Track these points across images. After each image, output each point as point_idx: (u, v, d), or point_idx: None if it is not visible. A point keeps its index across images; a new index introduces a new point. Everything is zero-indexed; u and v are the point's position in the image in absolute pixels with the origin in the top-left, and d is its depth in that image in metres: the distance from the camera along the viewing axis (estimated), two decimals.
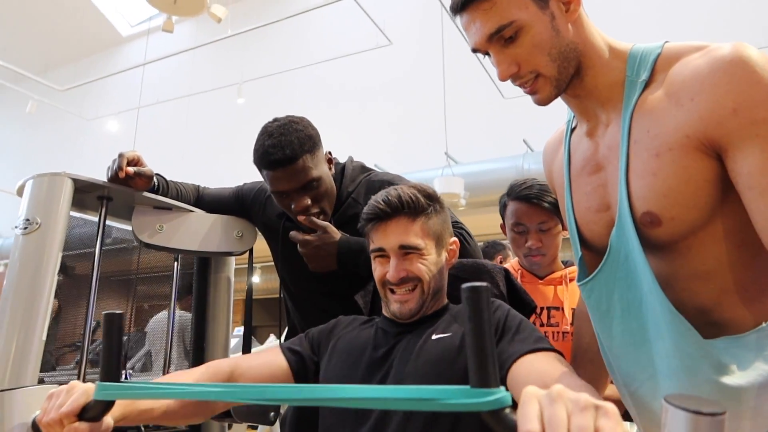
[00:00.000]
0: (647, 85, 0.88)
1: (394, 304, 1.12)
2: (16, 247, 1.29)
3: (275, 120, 1.43)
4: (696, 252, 0.87)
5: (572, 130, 1.04)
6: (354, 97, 8.44)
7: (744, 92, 0.77)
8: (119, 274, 2.09)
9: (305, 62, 8.13)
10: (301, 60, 8.29)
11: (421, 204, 1.13)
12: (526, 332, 1.02)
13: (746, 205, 0.80)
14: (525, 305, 1.28)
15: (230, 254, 1.69)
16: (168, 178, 1.59)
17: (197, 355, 1.72)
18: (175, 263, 1.71)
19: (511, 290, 1.28)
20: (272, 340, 6.07)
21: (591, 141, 0.98)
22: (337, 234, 1.38)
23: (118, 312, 0.88)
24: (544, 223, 1.64)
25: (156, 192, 1.51)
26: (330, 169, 1.48)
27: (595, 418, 0.52)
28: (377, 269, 1.14)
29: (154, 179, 1.49)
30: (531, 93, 0.93)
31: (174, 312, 1.68)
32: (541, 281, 1.76)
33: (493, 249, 3.35)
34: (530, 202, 1.63)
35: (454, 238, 1.22)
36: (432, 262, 1.13)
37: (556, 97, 0.93)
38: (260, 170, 1.40)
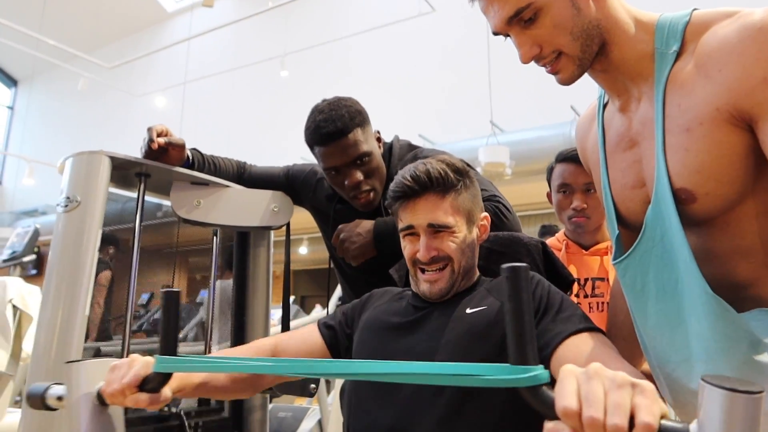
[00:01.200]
0: (678, 56, 0.83)
1: (424, 284, 1.09)
2: (57, 225, 1.31)
3: (324, 100, 1.47)
4: (735, 227, 0.83)
5: (605, 105, 1.00)
6: (397, 67, 8.34)
7: None
8: (168, 246, 2.14)
9: (347, 32, 8.05)
10: (343, 30, 8.22)
11: (450, 180, 1.08)
12: (570, 310, 0.99)
13: None
14: (562, 279, 1.23)
15: (268, 228, 1.68)
16: (205, 153, 1.59)
17: (238, 328, 1.73)
18: (215, 237, 1.72)
19: (549, 264, 1.23)
20: (318, 311, 6.17)
21: (624, 116, 0.93)
22: (369, 223, 1.40)
23: (175, 290, 0.91)
24: (590, 183, 1.60)
25: (191, 167, 1.52)
26: (379, 147, 1.50)
27: (631, 396, 0.53)
28: (407, 247, 1.11)
29: (188, 153, 1.50)
30: (553, 73, 0.90)
31: (214, 285, 1.70)
32: (586, 252, 1.74)
33: (548, 233, 3.31)
34: (577, 162, 1.59)
35: (485, 214, 1.17)
36: (462, 239, 1.09)
37: (580, 76, 0.90)
38: (312, 149, 1.43)
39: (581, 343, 0.92)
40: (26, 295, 2.28)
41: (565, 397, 0.54)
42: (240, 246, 1.79)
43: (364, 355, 1.08)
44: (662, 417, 0.52)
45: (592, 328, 0.95)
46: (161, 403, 0.88)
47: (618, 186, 0.96)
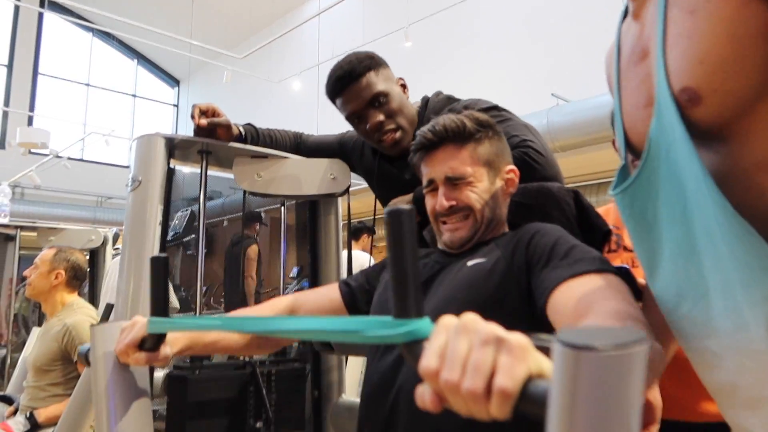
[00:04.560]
0: None
1: (446, 233, 1.08)
2: (127, 204, 1.46)
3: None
4: (759, 136, 0.66)
5: (624, 17, 0.85)
6: (526, 25, 7.94)
7: None
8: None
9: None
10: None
11: (467, 130, 1.06)
12: (577, 256, 0.89)
13: None
14: (596, 230, 1.11)
15: (329, 196, 1.72)
16: (260, 127, 1.66)
17: None
18: (282, 208, 1.79)
19: (582, 214, 1.11)
20: None
21: (637, 23, 0.79)
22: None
23: (163, 255, 0.97)
24: None
25: (244, 141, 1.59)
26: (405, 93, 1.49)
27: (495, 354, 0.46)
28: (429, 203, 1.10)
29: (240, 129, 1.57)
30: None
31: (285, 255, 1.77)
32: None
33: None
34: None
35: (512, 167, 1.11)
36: (483, 189, 1.06)
37: None
38: (334, 103, 1.46)
39: (576, 285, 0.82)
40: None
41: (426, 355, 0.48)
42: (311, 216, 1.86)
43: (376, 311, 1.08)
44: (537, 376, 0.45)
45: (601, 270, 0.84)
46: (160, 361, 0.96)
47: (629, 107, 0.82)
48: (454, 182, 1.05)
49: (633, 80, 0.80)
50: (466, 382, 0.45)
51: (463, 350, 0.47)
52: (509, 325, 0.88)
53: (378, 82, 1.41)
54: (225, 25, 11.85)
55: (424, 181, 1.09)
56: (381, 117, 1.41)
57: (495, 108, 1.37)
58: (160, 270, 0.96)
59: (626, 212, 0.81)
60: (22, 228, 3.23)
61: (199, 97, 13.82)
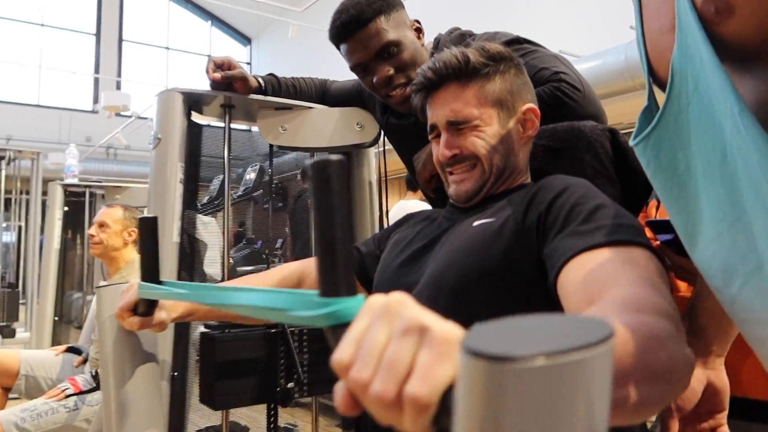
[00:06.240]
0: None
1: (452, 186, 0.95)
2: (151, 161, 1.44)
3: None
4: None
5: None
6: None
7: None
8: None
9: None
10: None
11: (471, 66, 0.91)
12: (600, 221, 0.73)
13: None
14: (637, 175, 0.95)
15: (358, 146, 1.63)
16: (283, 77, 1.58)
17: None
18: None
19: (620, 157, 0.96)
20: None
21: None
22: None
23: (152, 216, 0.92)
24: None
25: (264, 93, 1.52)
26: (419, 38, 1.31)
27: (415, 347, 0.35)
28: (434, 152, 0.97)
29: (260, 80, 1.49)
30: None
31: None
32: None
33: None
34: None
35: (531, 105, 0.95)
36: (492, 134, 0.91)
37: None
38: (339, 49, 1.32)
39: (592, 261, 0.67)
40: (199, 225, 2.60)
41: (343, 344, 0.38)
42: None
43: (378, 275, 0.99)
44: None
45: (626, 242, 0.68)
46: (155, 327, 0.93)
47: (653, 32, 0.65)
48: (458, 127, 0.91)
49: (655, 1, 0.64)
50: (375, 383, 0.35)
51: (380, 341, 0.36)
52: (522, 297, 0.77)
53: (389, 29, 1.24)
54: None
55: (428, 127, 0.97)
56: (390, 70, 1.25)
57: (517, 41, 1.20)
58: (149, 232, 0.92)
59: (652, 165, 0.65)
60: (89, 186, 3.38)
61: (269, 54, 13.92)
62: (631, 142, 0.67)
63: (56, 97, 12.34)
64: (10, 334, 4.20)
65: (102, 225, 2.61)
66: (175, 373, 1.36)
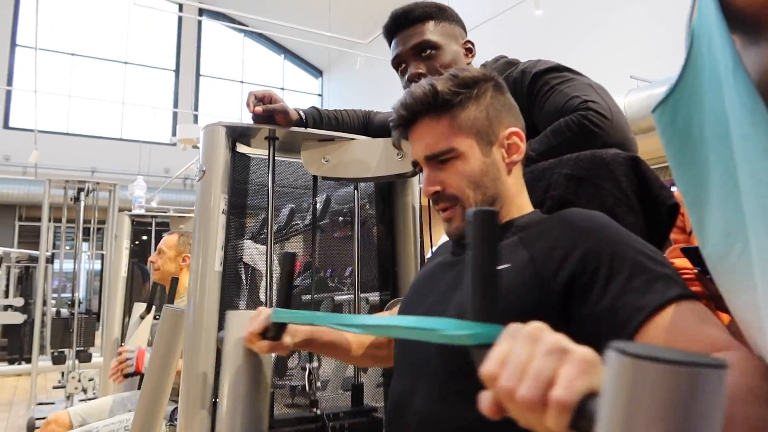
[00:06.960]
0: None
1: (444, 223, 0.94)
2: (196, 192, 1.50)
3: None
4: None
5: None
6: None
7: None
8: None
9: None
10: None
11: (441, 97, 0.88)
12: (645, 267, 0.71)
13: None
14: (658, 204, 0.90)
15: (400, 176, 1.63)
16: (325, 109, 1.62)
17: (385, 278, 1.74)
18: (355, 192, 1.73)
19: (643, 186, 0.91)
20: None
21: None
22: None
23: (291, 252, 1.02)
24: None
25: (306, 125, 1.55)
26: (467, 57, 1.35)
27: (557, 364, 0.43)
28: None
29: (300, 113, 1.53)
30: None
31: (359, 238, 1.72)
32: None
33: None
34: None
35: (512, 129, 0.91)
36: (473, 166, 0.88)
37: None
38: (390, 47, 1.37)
39: (671, 318, 0.66)
40: (255, 254, 2.67)
41: (489, 361, 0.48)
42: (384, 198, 1.79)
43: (400, 310, 0.99)
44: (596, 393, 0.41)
45: (682, 296, 0.68)
46: (281, 350, 0.96)
47: None
48: (438, 159, 0.89)
49: None
50: (522, 389, 0.44)
51: (524, 358, 0.45)
52: None
53: (433, 32, 1.28)
54: (359, 15, 12.12)
55: (411, 164, 0.96)
56: (422, 68, 1.27)
57: (556, 68, 1.18)
58: (288, 264, 1.00)
59: (668, 131, 0.62)
60: (155, 217, 3.57)
61: (339, 85, 14.30)
62: (652, 112, 0.64)
63: (138, 131, 13.16)
64: (87, 358, 4.43)
65: (160, 252, 2.73)
66: None
